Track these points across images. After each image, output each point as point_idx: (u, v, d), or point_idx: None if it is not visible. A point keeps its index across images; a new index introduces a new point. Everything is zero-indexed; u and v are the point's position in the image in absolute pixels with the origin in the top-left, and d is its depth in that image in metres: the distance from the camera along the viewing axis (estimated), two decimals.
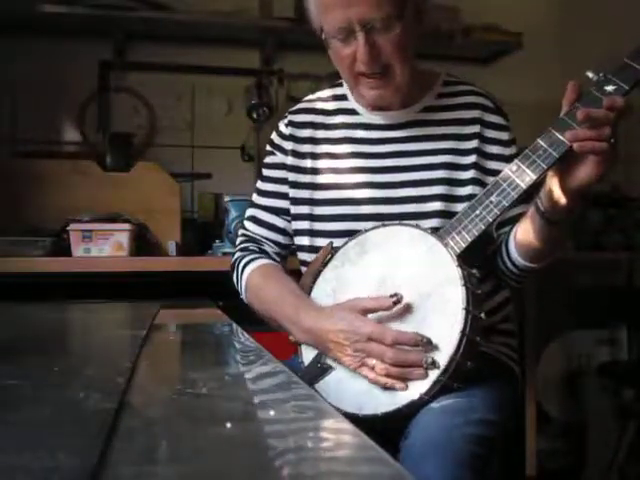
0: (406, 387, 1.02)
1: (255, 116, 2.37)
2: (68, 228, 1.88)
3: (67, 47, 2.33)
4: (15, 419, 0.49)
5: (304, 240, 1.27)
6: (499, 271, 1.23)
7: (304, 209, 1.28)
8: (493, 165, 1.22)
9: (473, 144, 1.22)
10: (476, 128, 1.23)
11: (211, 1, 2.35)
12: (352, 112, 1.29)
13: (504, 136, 1.24)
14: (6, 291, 1.46)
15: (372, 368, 1.04)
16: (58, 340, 1.00)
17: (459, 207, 1.17)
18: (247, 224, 1.35)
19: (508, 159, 1.20)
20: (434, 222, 1.17)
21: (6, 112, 2.30)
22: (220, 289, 1.42)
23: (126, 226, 1.91)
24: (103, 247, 1.88)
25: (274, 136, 1.35)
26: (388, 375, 1.03)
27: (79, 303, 1.48)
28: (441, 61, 2.12)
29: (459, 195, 1.20)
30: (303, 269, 1.28)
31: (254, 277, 1.27)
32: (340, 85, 1.33)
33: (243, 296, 1.31)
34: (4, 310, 1.27)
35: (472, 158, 1.22)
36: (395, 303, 1.04)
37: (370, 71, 1.14)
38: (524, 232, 1.14)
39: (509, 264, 1.20)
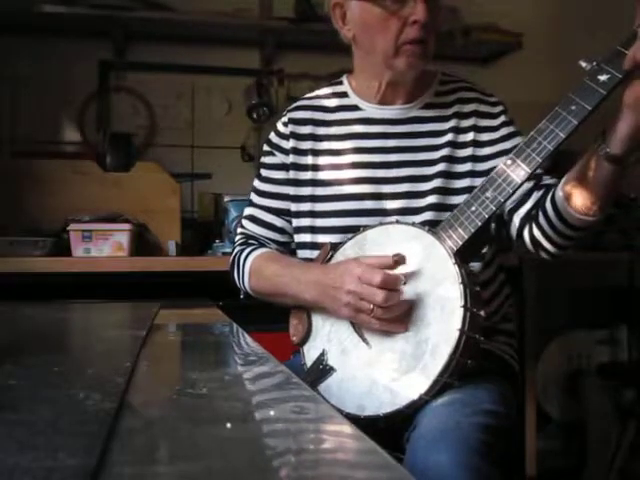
0: (407, 329, 1.05)
1: (255, 116, 2.37)
2: (68, 228, 1.88)
3: (67, 47, 2.33)
4: (15, 419, 0.49)
5: (306, 237, 1.28)
6: (534, 242, 1.17)
7: (305, 206, 1.28)
8: (486, 151, 1.23)
9: (470, 136, 1.24)
10: (472, 121, 1.24)
11: (211, 1, 2.35)
12: (354, 108, 1.30)
13: (494, 122, 1.25)
14: (6, 291, 1.46)
15: (370, 312, 1.04)
16: (58, 340, 1.00)
17: (454, 199, 1.19)
18: (245, 223, 1.35)
19: (498, 141, 1.23)
20: (428, 215, 1.19)
21: (6, 112, 2.30)
22: (220, 289, 1.42)
23: (126, 226, 1.91)
24: (103, 247, 1.88)
25: (272, 136, 1.34)
26: (382, 319, 1.04)
27: (79, 303, 1.48)
28: (441, 61, 2.11)
29: (455, 188, 1.21)
30: None
31: (257, 261, 1.28)
32: (340, 83, 1.33)
33: (246, 284, 1.30)
34: (4, 310, 1.27)
35: (469, 151, 1.23)
36: (397, 262, 1.06)
37: (424, 36, 1.16)
38: (582, 183, 1.07)
39: (558, 225, 1.13)
